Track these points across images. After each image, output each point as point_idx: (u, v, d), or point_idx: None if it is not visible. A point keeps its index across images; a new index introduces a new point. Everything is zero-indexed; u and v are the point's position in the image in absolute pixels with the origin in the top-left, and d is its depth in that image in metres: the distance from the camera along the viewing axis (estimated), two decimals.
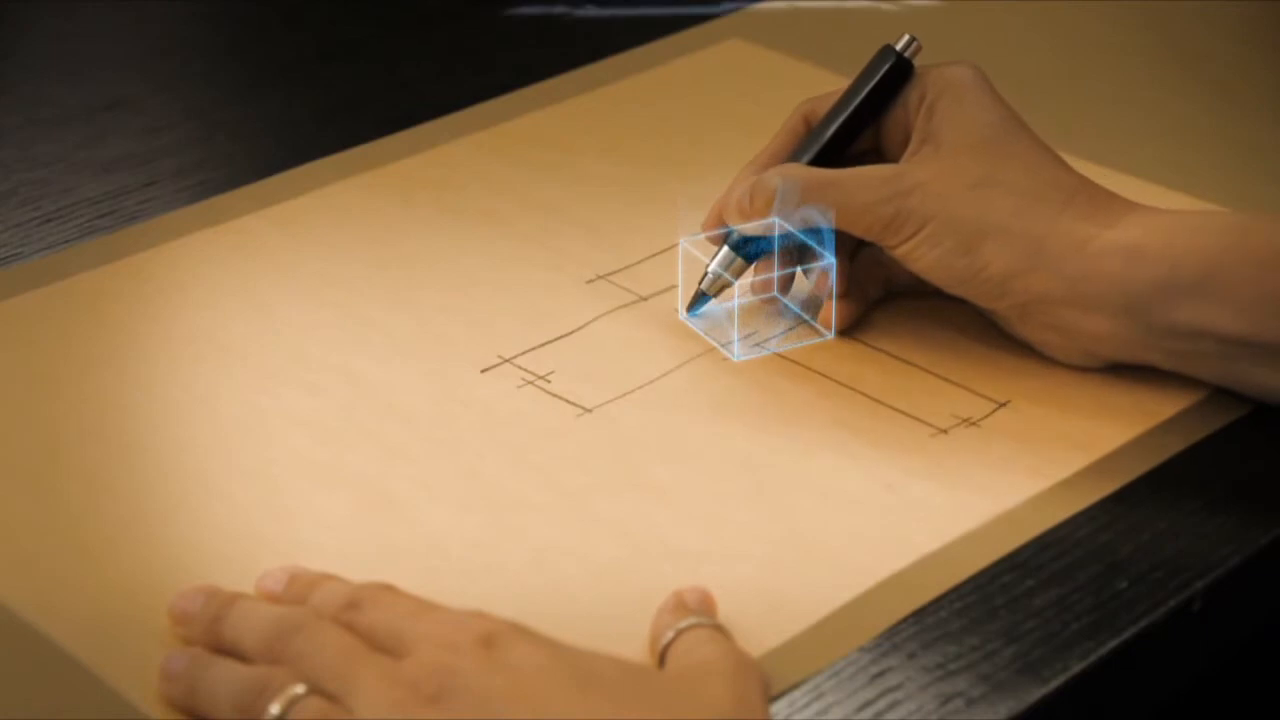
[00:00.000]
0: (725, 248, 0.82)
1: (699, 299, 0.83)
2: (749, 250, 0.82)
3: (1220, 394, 0.78)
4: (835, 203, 0.79)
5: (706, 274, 0.82)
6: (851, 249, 0.82)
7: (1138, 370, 0.79)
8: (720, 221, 0.82)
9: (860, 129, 0.82)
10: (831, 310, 0.82)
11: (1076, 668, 0.66)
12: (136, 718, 0.63)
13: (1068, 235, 0.77)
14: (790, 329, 0.83)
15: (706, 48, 1.06)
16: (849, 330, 0.82)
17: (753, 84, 1.03)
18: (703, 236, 0.82)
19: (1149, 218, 0.78)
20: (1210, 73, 1.05)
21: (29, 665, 0.66)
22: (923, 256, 0.78)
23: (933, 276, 0.79)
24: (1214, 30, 1.10)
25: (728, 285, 0.82)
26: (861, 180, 0.79)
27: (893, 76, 0.81)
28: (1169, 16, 1.11)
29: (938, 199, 0.78)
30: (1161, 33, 1.10)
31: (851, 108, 0.82)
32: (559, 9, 1.08)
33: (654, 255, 0.87)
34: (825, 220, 0.79)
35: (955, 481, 0.74)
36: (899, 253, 0.79)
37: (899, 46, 0.82)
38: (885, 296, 0.84)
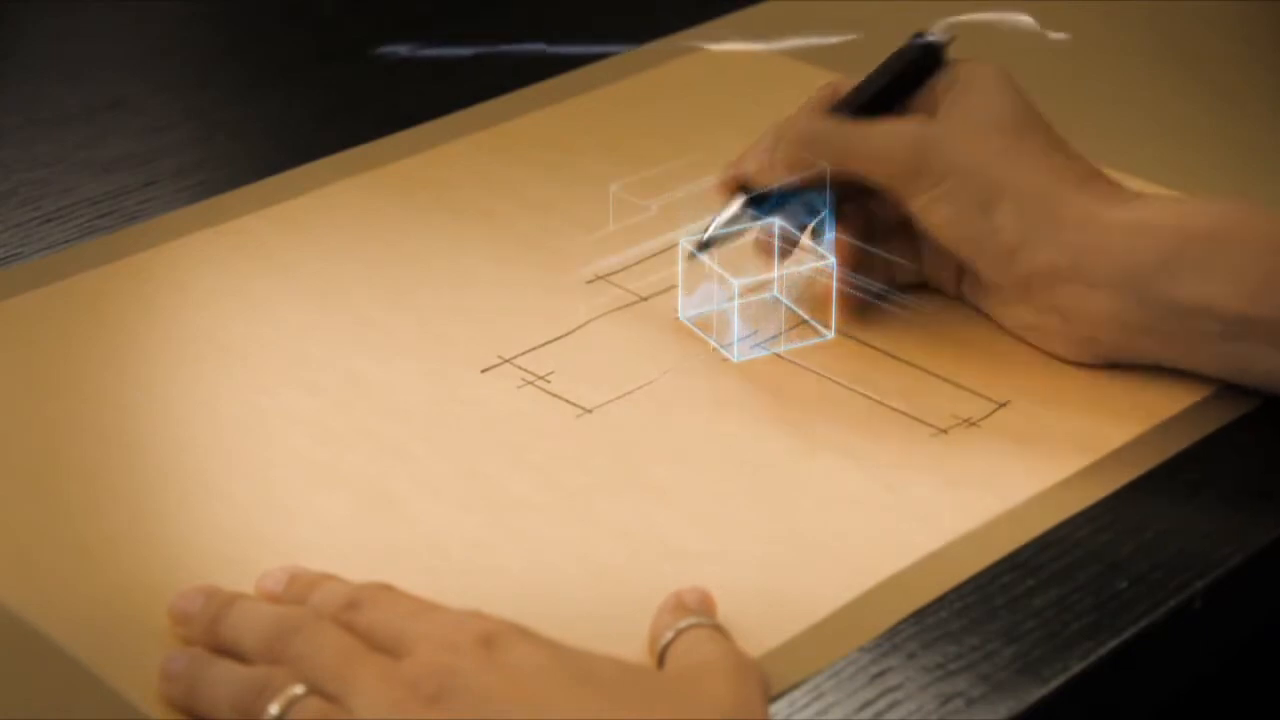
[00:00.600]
0: (737, 201, 0.82)
1: (703, 246, 0.82)
2: (762, 207, 0.82)
3: (1220, 394, 0.78)
4: (859, 146, 0.79)
5: (713, 222, 0.82)
6: (860, 230, 0.82)
7: (1138, 370, 0.79)
8: (740, 172, 0.82)
9: (885, 110, 0.82)
10: (832, 310, 0.82)
11: (1076, 668, 0.66)
12: (136, 718, 0.63)
13: (1080, 209, 0.78)
14: (790, 329, 0.83)
15: (706, 48, 1.06)
16: (849, 329, 0.82)
17: (752, 84, 1.03)
18: (720, 181, 0.82)
19: (1161, 199, 0.79)
20: (1210, 73, 1.05)
21: (29, 665, 0.66)
22: (938, 212, 0.79)
23: (945, 235, 0.79)
24: (1214, 30, 1.10)
25: (733, 239, 0.82)
26: (888, 128, 0.80)
27: (922, 63, 0.82)
28: (1169, 16, 1.11)
29: (963, 154, 0.78)
30: (1161, 33, 1.10)
31: (878, 87, 0.82)
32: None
33: (654, 255, 0.87)
34: (820, 210, 0.80)
35: (955, 481, 0.74)
36: (915, 206, 0.79)
37: (932, 37, 0.82)
38: (888, 294, 0.84)
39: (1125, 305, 0.77)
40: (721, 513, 0.73)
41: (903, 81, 0.82)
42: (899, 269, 0.83)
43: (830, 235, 0.84)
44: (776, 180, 0.81)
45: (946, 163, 0.78)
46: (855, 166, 0.80)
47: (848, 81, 0.83)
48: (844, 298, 0.82)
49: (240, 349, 0.81)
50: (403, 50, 1.02)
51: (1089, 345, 0.79)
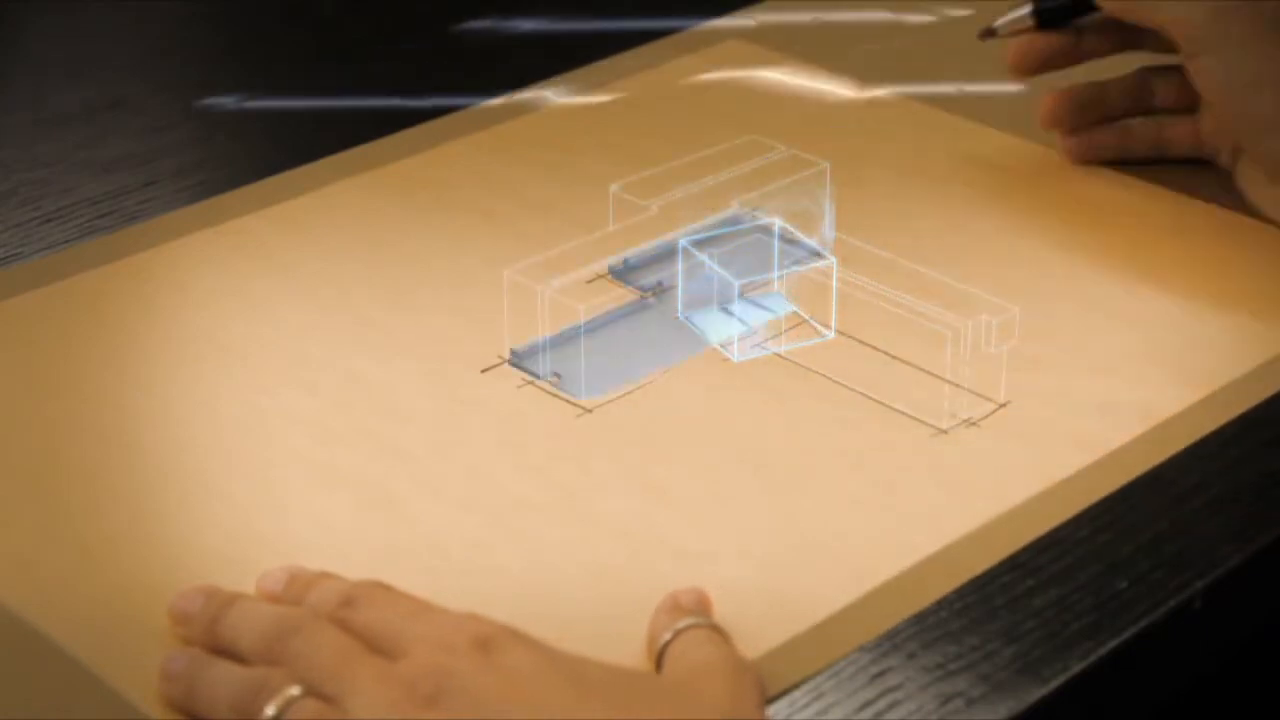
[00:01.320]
0: (1028, 6, 0.90)
1: (989, 34, 0.91)
2: (1047, 17, 0.89)
3: (1220, 394, 0.78)
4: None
5: (1004, 19, 0.90)
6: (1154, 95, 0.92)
7: (1137, 370, 0.79)
8: None
9: None
10: (832, 310, 0.82)
11: (1076, 668, 0.66)
12: (136, 718, 0.63)
13: None
14: (790, 329, 0.83)
15: (706, 48, 1.06)
16: (849, 329, 0.82)
17: (753, 84, 1.03)
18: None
19: None
20: None
21: (29, 665, 0.66)
22: (1213, 75, 0.87)
23: (1213, 97, 0.87)
24: None
25: (1013, 35, 0.90)
26: None
27: None
28: None
29: (1250, 33, 0.86)
30: None
31: None
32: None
33: (654, 255, 0.87)
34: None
35: (955, 481, 0.74)
36: (1195, 65, 0.87)
37: None
38: (1150, 161, 0.92)
39: None
40: (721, 513, 0.73)
41: None
42: (1172, 138, 0.92)
43: (830, 235, 0.85)
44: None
45: (1234, 35, 0.86)
46: (1159, 17, 0.87)
47: None
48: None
49: (240, 349, 0.81)
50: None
51: None
